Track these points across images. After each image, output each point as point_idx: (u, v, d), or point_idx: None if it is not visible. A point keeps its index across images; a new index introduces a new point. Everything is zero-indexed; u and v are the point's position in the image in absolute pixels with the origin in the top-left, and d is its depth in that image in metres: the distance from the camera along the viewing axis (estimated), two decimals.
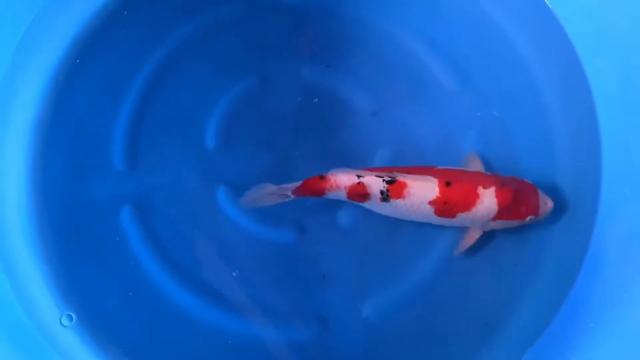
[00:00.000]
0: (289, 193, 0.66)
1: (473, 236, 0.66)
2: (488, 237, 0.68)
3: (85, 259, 0.71)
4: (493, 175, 0.65)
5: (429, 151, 0.73)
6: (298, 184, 0.66)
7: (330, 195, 0.65)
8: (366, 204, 0.66)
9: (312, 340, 0.67)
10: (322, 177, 0.65)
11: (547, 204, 0.65)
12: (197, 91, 0.76)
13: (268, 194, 0.67)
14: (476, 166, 0.69)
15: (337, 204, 0.70)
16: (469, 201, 0.63)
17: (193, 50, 0.77)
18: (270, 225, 0.70)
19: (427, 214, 0.64)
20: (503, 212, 0.63)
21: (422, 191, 0.63)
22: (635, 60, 0.65)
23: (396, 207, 0.64)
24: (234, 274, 0.69)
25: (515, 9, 0.75)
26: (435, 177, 0.63)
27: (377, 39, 0.77)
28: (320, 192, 0.65)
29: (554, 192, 0.68)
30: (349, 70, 0.76)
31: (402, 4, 0.77)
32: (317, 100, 0.74)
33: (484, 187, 0.63)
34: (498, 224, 0.65)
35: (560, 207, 0.68)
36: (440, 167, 0.66)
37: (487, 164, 0.70)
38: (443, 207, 0.64)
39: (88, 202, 0.72)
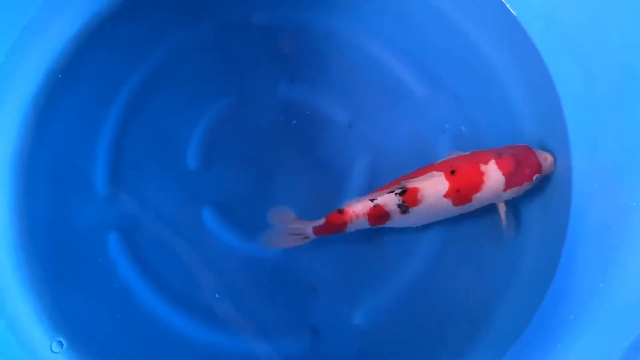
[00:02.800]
0: (310, 233, 0.67)
1: (502, 210, 0.68)
2: (468, 237, 0.71)
3: (74, 285, 0.71)
4: (488, 150, 0.67)
5: (406, 157, 0.74)
6: (318, 222, 0.66)
7: (352, 226, 0.66)
8: (391, 223, 0.67)
9: (305, 352, 0.68)
10: (340, 211, 0.66)
11: (547, 158, 0.68)
12: (175, 113, 0.77)
13: (289, 233, 0.67)
14: None
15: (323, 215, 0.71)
16: (477, 181, 0.65)
17: (169, 72, 0.78)
18: (257, 241, 0.71)
19: (447, 207, 0.66)
20: (510, 179, 0.66)
21: (434, 188, 0.65)
22: (596, 57, 0.67)
23: (417, 214, 0.66)
24: (216, 295, 0.70)
25: (479, 15, 0.78)
26: (439, 170, 0.65)
27: (349, 51, 0.79)
28: (342, 227, 0.66)
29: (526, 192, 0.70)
30: (323, 83, 0.78)
31: (371, 17, 0.79)
32: (295, 122, 0.75)
33: (485, 163, 0.65)
34: (511, 193, 0.67)
35: (534, 204, 0.71)
36: (437, 162, 0.68)
37: None
38: (457, 195, 0.65)
39: (74, 230, 0.72)
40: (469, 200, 0.66)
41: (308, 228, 0.67)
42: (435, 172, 0.65)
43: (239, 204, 0.73)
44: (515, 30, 0.75)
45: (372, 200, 0.65)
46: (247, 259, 0.71)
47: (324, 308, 0.69)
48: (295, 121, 0.76)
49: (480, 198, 0.66)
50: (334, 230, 0.67)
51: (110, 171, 0.74)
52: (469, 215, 0.70)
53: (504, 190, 0.66)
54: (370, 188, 0.71)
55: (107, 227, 0.72)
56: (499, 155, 0.66)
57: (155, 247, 0.72)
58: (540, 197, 0.71)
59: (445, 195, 0.65)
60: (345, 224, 0.66)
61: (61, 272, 0.71)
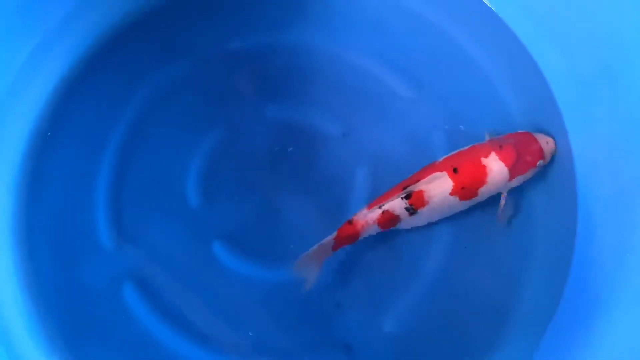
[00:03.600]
0: (329, 250, 0.67)
1: (503, 198, 0.69)
2: (480, 230, 0.71)
3: (94, 341, 0.70)
4: (488, 142, 0.68)
5: (404, 158, 0.74)
6: (331, 239, 0.66)
7: (365, 234, 0.67)
8: (401, 226, 0.68)
9: None
10: (350, 222, 0.66)
11: (548, 143, 0.68)
12: (168, 153, 0.76)
13: (312, 258, 0.66)
14: None
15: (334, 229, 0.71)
16: (481, 175, 0.66)
17: (155, 114, 0.77)
18: (274, 268, 0.71)
19: (455, 204, 0.67)
20: (514, 169, 0.66)
21: (439, 189, 0.66)
22: (574, 33, 0.68)
23: (426, 214, 0.67)
24: (250, 334, 0.69)
25: (452, 10, 0.78)
26: (440, 170, 0.66)
27: (329, 64, 0.79)
28: (355, 236, 0.67)
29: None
30: (309, 100, 0.78)
31: (344, 29, 0.80)
32: (291, 149, 0.75)
33: (486, 157, 0.66)
34: (517, 181, 0.68)
35: (537, 189, 0.71)
36: (440, 160, 0.68)
37: None
38: (463, 192, 0.66)
39: (86, 288, 0.71)
40: (476, 194, 0.67)
41: (325, 248, 0.66)
42: (438, 173, 0.66)
43: (248, 233, 0.72)
44: (490, 19, 0.76)
45: (380, 207, 0.66)
46: (267, 286, 0.70)
47: (352, 322, 0.69)
48: (291, 148, 0.75)
49: (486, 191, 0.67)
50: (348, 241, 0.67)
51: (113, 223, 0.73)
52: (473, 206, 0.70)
53: (510, 179, 0.67)
54: (374, 194, 0.70)
55: (120, 279, 0.71)
56: (499, 147, 0.66)
57: (172, 290, 0.70)
58: (542, 180, 0.72)
59: (451, 194, 0.66)
60: (357, 233, 0.66)
61: (79, 330, 0.70)
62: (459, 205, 0.68)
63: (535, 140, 0.68)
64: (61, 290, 0.71)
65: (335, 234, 0.66)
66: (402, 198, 0.65)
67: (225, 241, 0.72)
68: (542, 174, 0.71)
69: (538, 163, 0.67)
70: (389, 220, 0.66)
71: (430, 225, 0.70)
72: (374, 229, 0.67)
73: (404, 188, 0.66)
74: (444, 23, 0.78)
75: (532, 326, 0.67)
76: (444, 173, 0.66)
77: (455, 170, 0.66)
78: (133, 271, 0.71)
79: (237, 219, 0.73)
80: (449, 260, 0.71)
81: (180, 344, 0.69)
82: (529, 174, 0.68)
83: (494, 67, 0.77)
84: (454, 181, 0.65)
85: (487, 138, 0.70)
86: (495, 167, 0.66)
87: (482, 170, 0.66)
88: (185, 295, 0.70)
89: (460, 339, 0.69)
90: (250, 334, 0.69)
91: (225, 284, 0.71)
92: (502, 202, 0.69)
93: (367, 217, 0.66)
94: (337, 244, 0.67)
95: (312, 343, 0.69)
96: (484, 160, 0.66)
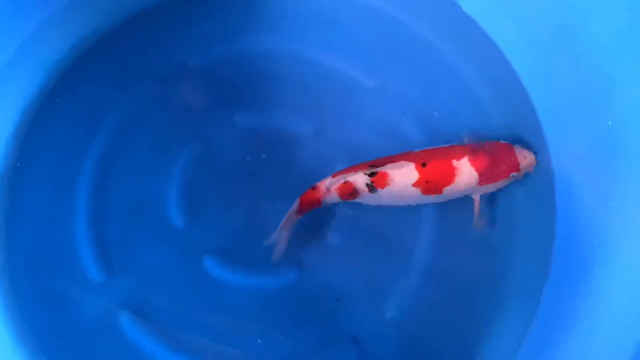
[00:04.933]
0: (294, 216, 0.69)
1: (476, 204, 0.70)
2: (458, 211, 0.72)
3: None
4: (466, 146, 0.69)
5: (377, 148, 0.75)
6: (295, 206, 0.69)
7: (327, 201, 0.70)
8: (361, 199, 0.69)
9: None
10: (313, 188, 0.69)
11: (526, 157, 0.68)
12: (145, 178, 0.75)
13: (281, 230, 0.69)
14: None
15: (320, 227, 0.72)
16: (448, 175, 0.67)
17: (125, 140, 0.76)
18: (267, 275, 0.71)
19: (416, 195, 0.68)
20: (484, 176, 0.67)
21: (402, 177, 0.67)
22: (527, 6, 0.70)
23: (385, 196, 0.68)
24: (259, 341, 0.69)
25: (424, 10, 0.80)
26: (410, 161, 0.67)
27: (290, 65, 0.79)
28: (317, 202, 0.70)
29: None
30: (277, 103, 0.78)
31: (300, 28, 0.81)
32: (264, 156, 0.75)
33: (458, 159, 0.67)
34: (488, 188, 0.69)
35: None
36: (417, 150, 0.69)
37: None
38: (427, 186, 0.67)
39: (82, 324, 0.69)
40: (440, 191, 0.68)
41: (290, 216, 0.69)
42: (407, 163, 0.67)
43: (236, 244, 0.72)
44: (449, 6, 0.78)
45: (343, 177, 0.68)
46: (266, 293, 0.70)
47: (354, 314, 0.70)
48: (264, 155, 0.75)
49: (452, 190, 0.68)
50: (311, 207, 0.70)
51: (99, 257, 0.72)
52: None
53: (478, 185, 0.68)
54: None
55: (115, 310, 0.70)
56: (474, 152, 0.67)
57: (169, 313, 0.70)
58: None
59: (414, 185, 0.67)
60: (319, 199, 0.69)
61: None
62: (421, 198, 0.69)
63: (513, 153, 0.68)
64: (56, 333, 0.69)
65: (299, 200, 0.69)
66: (365, 174, 0.67)
67: (215, 256, 0.72)
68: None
69: (511, 175, 0.68)
70: (349, 191, 0.68)
71: (417, 208, 0.72)
72: (335, 198, 0.69)
73: (372, 166, 0.68)
74: (395, 11, 0.80)
75: (529, 289, 0.69)
76: (412, 164, 0.67)
77: (423, 165, 0.67)
78: (127, 300, 0.70)
79: (224, 231, 0.73)
80: (439, 242, 0.72)
81: None
82: (500, 183, 0.69)
83: (451, 48, 0.78)
84: (419, 174, 0.67)
85: (465, 141, 0.71)
86: (465, 170, 0.67)
87: (451, 171, 0.67)
88: (184, 314, 0.70)
89: (462, 315, 0.70)
90: (259, 341, 0.68)
91: (221, 298, 0.70)
92: (476, 206, 0.70)
93: (330, 185, 0.68)
94: (301, 209, 0.69)
95: (319, 341, 0.69)
96: (455, 162, 0.67)
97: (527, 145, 0.70)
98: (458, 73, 0.78)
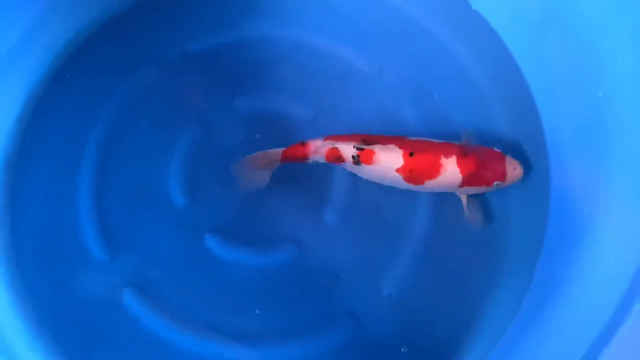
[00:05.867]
0: (278, 158, 0.71)
1: (464, 202, 0.72)
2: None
3: (100, 353, 0.69)
4: (458, 145, 0.69)
5: (374, 131, 0.75)
6: (280, 151, 0.71)
7: (313, 158, 0.71)
8: (345, 166, 0.72)
9: (351, 337, 0.69)
10: (303, 144, 0.71)
11: (515, 169, 0.68)
12: (147, 159, 0.77)
13: (258, 161, 0.71)
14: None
15: (319, 206, 0.74)
16: (433, 170, 0.68)
17: (127, 123, 0.78)
18: (267, 252, 0.72)
19: (397, 180, 0.69)
20: (468, 179, 0.68)
21: (387, 160, 0.68)
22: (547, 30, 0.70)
23: (368, 171, 0.70)
24: (257, 311, 0.70)
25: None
26: (402, 148, 0.68)
27: (290, 49, 0.81)
28: (303, 157, 0.71)
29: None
30: (277, 87, 0.80)
31: (297, 15, 0.82)
32: (258, 136, 0.77)
33: (446, 157, 0.68)
34: (470, 190, 0.70)
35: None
36: (412, 138, 0.70)
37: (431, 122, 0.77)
38: (410, 174, 0.68)
39: (85, 303, 0.71)
40: (422, 182, 0.69)
41: (273, 156, 0.71)
42: (396, 148, 0.68)
43: (237, 223, 0.74)
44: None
45: (333, 143, 0.70)
46: (267, 270, 0.72)
47: (353, 290, 0.71)
48: (258, 135, 0.77)
49: (434, 185, 0.69)
50: (295, 159, 0.72)
51: (102, 235, 0.73)
52: None
53: (461, 186, 0.69)
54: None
55: (118, 288, 0.71)
56: (463, 154, 0.68)
57: (172, 290, 0.71)
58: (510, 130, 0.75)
59: (397, 171, 0.68)
60: (306, 155, 0.71)
61: (84, 346, 0.70)
62: (403, 184, 0.70)
63: (503, 162, 0.69)
64: (61, 309, 0.71)
65: (285, 148, 0.71)
66: (354, 147, 0.69)
67: (216, 234, 0.73)
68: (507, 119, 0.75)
69: (494, 183, 0.69)
70: (335, 157, 0.70)
71: (413, 196, 0.73)
72: (321, 159, 0.71)
73: (364, 141, 0.69)
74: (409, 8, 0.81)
75: (524, 263, 0.70)
76: (400, 151, 0.68)
77: (411, 154, 0.68)
78: (130, 278, 0.72)
79: (224, 210, 0.75)
80: (436, 221, 0.74)
81: (187, 340, 0.69)
82: (483, 188, 0.70)
83: (447, 31, 0.80)
84: (405, 161, 0.68)
85: (462, 139, 0.69)
86: (450, 169, 0.68)
87: (436, 167, 0.68)
88: (186, 291, 0.71)
89: (458, 291, 0.72)
90: (257, 311, 0.70)
91: (223, 274, 0.72)
92: (464, 203, 0.71)
93: (319, 146, 0.70)
94: (285, 158, 0.71)
95: (318, 316, 0.70)
96: (443, 159, 0.68)
97: (523, 156, 0.71)
98: (454, 55, 0.79)
